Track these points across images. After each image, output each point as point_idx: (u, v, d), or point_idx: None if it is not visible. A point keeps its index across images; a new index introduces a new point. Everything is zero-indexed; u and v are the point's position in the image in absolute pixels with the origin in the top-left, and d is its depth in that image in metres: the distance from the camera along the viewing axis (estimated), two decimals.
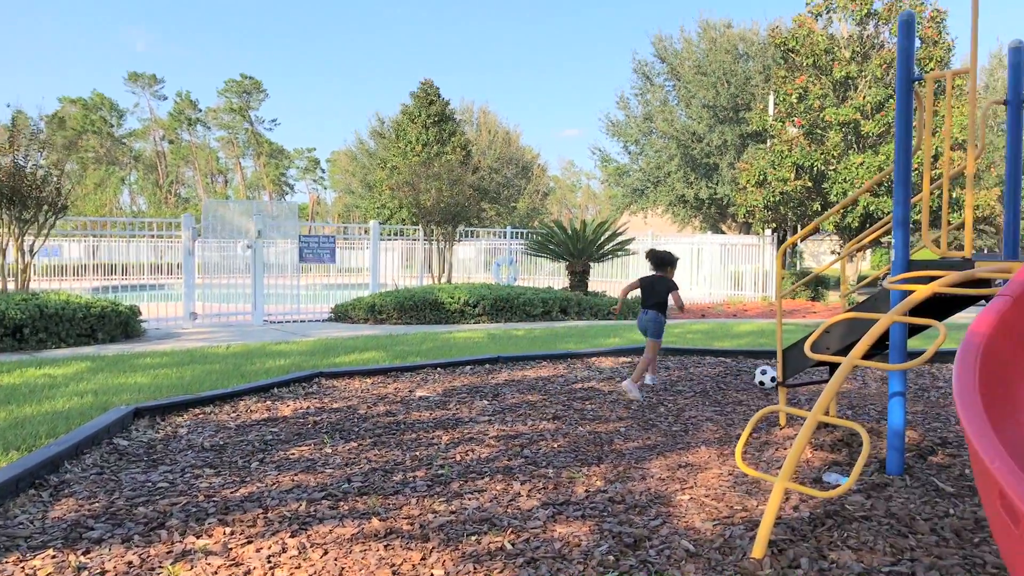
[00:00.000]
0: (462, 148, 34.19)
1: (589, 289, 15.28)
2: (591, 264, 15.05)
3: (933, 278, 3.84)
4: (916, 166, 4.58)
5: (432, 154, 31.92)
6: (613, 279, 20.32)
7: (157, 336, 10.22)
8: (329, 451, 4.54)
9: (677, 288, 6.74)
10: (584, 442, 4.84)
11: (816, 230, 22.94)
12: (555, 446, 4.73)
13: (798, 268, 23.53)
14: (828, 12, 19.58)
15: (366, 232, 16.07)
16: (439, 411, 5.62)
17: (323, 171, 78.21)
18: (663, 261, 6.81)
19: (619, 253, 15.28)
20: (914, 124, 4.51)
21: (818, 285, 19.67)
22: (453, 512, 3.54)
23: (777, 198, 19.03)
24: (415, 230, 17.45)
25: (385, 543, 3.17)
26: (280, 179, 75.56)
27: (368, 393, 6.23)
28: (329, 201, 75.62)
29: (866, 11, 18.75)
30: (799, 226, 21.82)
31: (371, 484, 3.94)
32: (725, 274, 20.07)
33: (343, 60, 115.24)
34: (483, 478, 4.06)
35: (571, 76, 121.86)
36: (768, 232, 21.56)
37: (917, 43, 18.69)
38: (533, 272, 20.03)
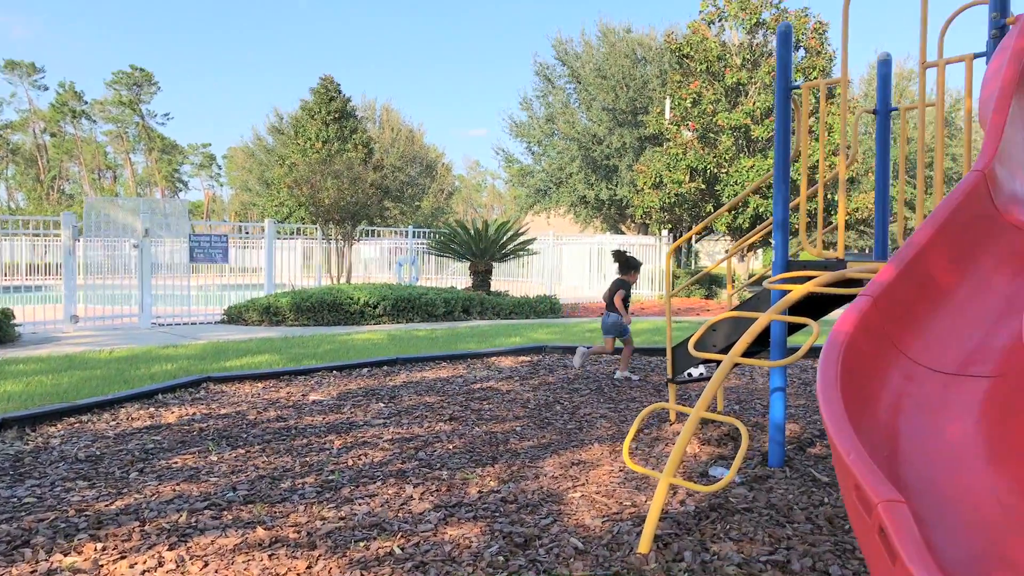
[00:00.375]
0: (364, 146, 33.67)
1: (492, 289, 15.33)
2: (493, 264, 15.10)
3: (810, 278, 4.03)
4: (808, 171, 4.79)
5: (333, 151, 31.31)
6: (517, 279, 20.47)
7: (34, 341, 9.62)
8: (214, 459, 4.37)
9: (620, 290, 6.95)
10: (480, 443, 4.84)
11: (708, 230, 23.76)
12: (450, 447, 4.71)
13: (693, 267, 24.29)
14: (720, 20, 20.30)
15: (262, 231, 15.61)
16: (333, 415, 5.50)
17: (219, 168, 75.53)
18: (622, 264, 7.16)
19: (520, 253, 15.39)
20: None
21: (712, 283, 20.37)
22: (342, 518, 3.47)
23: (672, 199, 19.59)
24: (315, 229, 17.10)
25: (269, 552, 3.07)
26: (173, 175, 72.51)
27: (259, 398, 6.05)
28: (226, 199, 73.12)
29: (755, 20, 19.54)
30: (694, 227, 22.56)
31: (258, 492, 3.82)
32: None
33: (240, 54, 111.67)
34: (375, 482, 4.00)
35: (476, 76, 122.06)
36: (665, 233, 22.17)
37: (802, 53, 19.63)
38: (439, 271, 19.94)
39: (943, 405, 2.30)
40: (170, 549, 3.08)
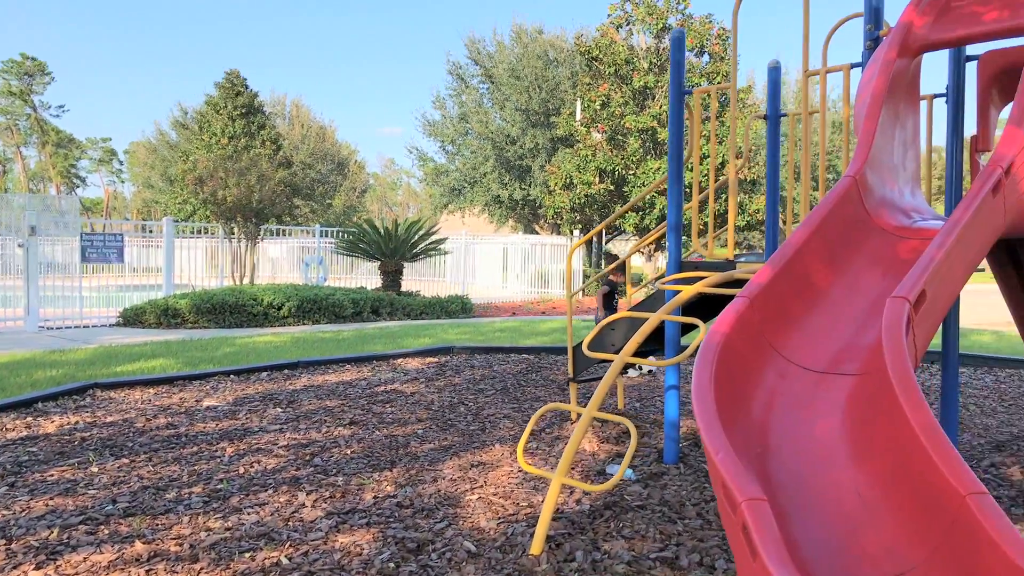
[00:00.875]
0: (272, 142, 32.83)
1: (403, 289, 15.18)
2: (404, 264, 14.95)
3: (701, 279, 4.13)
4: (716, 173, 4.92)
5: (240, 147, 30.42)
6: (430, 278, 20.32)
7: None
8: (95, 470, 4.16)
9: (604, 287, 6.50)
10: (380, 447, 4.77)
11: (619, 231, 24.17)
12: (348, 452, 4.62)
13: (603, 268, 24.65)
14: (628, 24, 20.69)
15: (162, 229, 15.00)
16: (227, 421, 5.32)
17: (121, 163, 72.25)
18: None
19: (432, 252, 15.29)
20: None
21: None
22: (229, 529, 3.35)
23: (582, 200, 19.85)
24: (231, 227, 16.52)
25: (147, 567, 2.94)
26: (70, 171, 68.96)
27: (150, 404, 5.79)
28: (128, 196, 70.02)
29: (661, 25, 20.00)
30: (604, 227, 22.92)
31: (140, 504, 3.65)
32: (535, 273, 20.66)
33: (142, 46, 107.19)
34: (266, 490, 3.88)
35: (392, 73, 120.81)
36: (576, 233, 22.44)
37: (706, 59, 20.20)
38: (351, 271, 19.59)
39: (813, 403, 2.38)
40: (37, 568, 2.91)
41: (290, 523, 3.44)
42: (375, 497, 3.82)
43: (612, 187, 19.91)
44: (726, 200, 4.44)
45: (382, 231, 14.47)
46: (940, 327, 4.54)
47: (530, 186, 29.24)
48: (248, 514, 3.54)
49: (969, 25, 3.42)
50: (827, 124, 4.86)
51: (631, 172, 19.69)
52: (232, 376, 6.97)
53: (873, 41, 3.89)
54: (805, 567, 1.81)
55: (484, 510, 3.68)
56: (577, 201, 19.89)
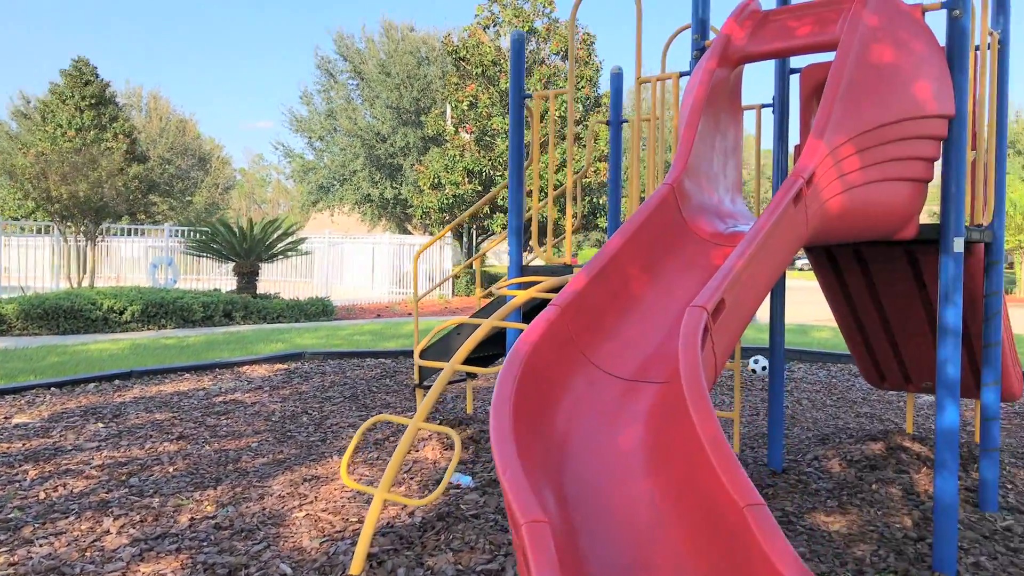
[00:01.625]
0: (126, 135, 30.89)
1: (261, 291, 14.58)
2: (260, 265, 14.35)
3: (539, 283, 4.11)
4: (583, 176, 4.92)
5: (88, 140, 28.43)
6: (294, 280, 19.64)
7: None
8: None
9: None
10: (207, 463, 4.49)
11: (489, 231, 24.24)
12: (171, 471, 4.32)
13: (473, 268, 24.69)
14: (495, 25, 20.76)
15: None
16: (38, 440, 4.87)
17: None
18: None
19: (290, 253, 14.77)
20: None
21: (492, 283, 20.82)
22: (14, 564, 3.03)
23: (451, 201, 19.78)
24: (69, 225, 15.30)
25: None
26: None
27: None
28: None
29: (528, 27, 20.19)
30: (473, 228, 22.92)
31: None
32: (405, 274, 20.40)
33: None
34: (68, 517, 3.55)
35: (262, 66, 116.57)
36: (448, 234, 22.34)
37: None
38: (210, 272, 18.65)
39: (620, 412, 2.37)
40: None
41: (88, 554, 3.15)
42: (192, 519, 3.57)
43: (480, 188, 19.93)
44: (577, 204, 4.46)
45: (236, 230, 13.84)
46: (769, 327, 4.73)
47: (401, 185, 28.90)
48: (40, 546, 3.21)
49: (785, 39, 3.54)
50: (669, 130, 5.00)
51: (499, 173, 19.77)
52: (53, 389, 6.42)
53: (699, 51, 3.98)
54: None
55: (310, 528, 3.50)
56: (446, 201, 19.80)
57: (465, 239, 23.54)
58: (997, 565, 3.28)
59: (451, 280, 20.76)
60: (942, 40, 3.41)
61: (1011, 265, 28.96)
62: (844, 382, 7.53)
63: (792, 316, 14.05)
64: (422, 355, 5.51)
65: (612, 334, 2.63)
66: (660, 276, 2.89)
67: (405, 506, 3.81)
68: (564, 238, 5.01)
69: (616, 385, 2.46)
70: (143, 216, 33.93)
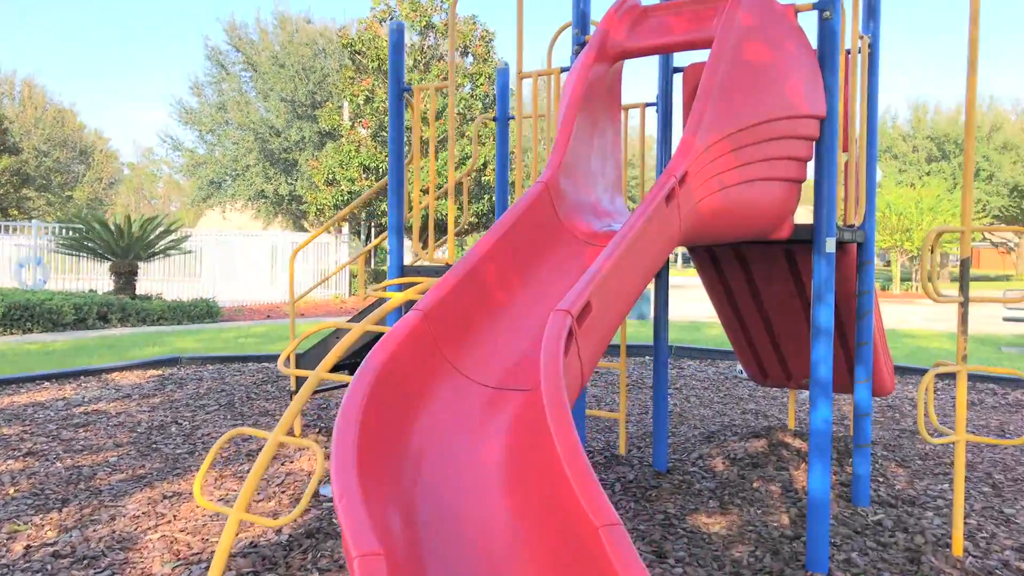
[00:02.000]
0: None
1: (141, 292, 13.80)
2: (140, 264, 13.57)
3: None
4: (476, 173, 4.76)
5: None
6: (179, 279, 18.71)
7: None
8: None
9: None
10: (56, 481, 4.10)
11: (386, 229, 23.82)
12: (11, 492, 3.92)
13: (373, 266, 24.20)
14: (392, 19, 20.39)
15: None
16: None
17: None
18: None
19: (172, 252, 14.04)
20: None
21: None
22: None
23: (346, 197, 19.30)
24: None
25: None
26: None
27: None
28: None
29: (425, 23, 19.92)
30: (372, 225, 22.48)
31: None
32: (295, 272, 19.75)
33: None
34: None
35: (152, 56, 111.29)
36: (344, 231, 21.82)
37: (470, 60, 20.41)
38: (91, 272, 17.49)
39: (485, 422, 2.23)
40: None
41: None
42: (28, 547, 3.23)
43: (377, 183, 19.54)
44: (464, 202, 4.32)
45: (112, 228, 13.03)
46: (653, 325, 4.71)
47: (296, 181, 28.08)
48: None
49: (662, 35, 3.49)
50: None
51: (416, 168, 19.42)
52: None
53: (580, 45, 3.89)
54: None
55: (163, 551, 3.23)
56: (340, 198, 19.30)
57: (363, 236, 23.06)
58: (868, 561, 3.32)
59: (348, 280, 20.30)
60: (815, 42, 3.43)
61: (888, 263, 30.71)
62: (732, 378, 7.68)
63: (686, 313, 14.37)
64: (298, 361, 5.25)
65: (481, 339, 2.49)
66: (532, 278, 2.77)
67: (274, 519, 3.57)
68: (446, 239, 4.86)
69: (483, 394, 2.31)
70: (16, 212, 31.83)
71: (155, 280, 17.08)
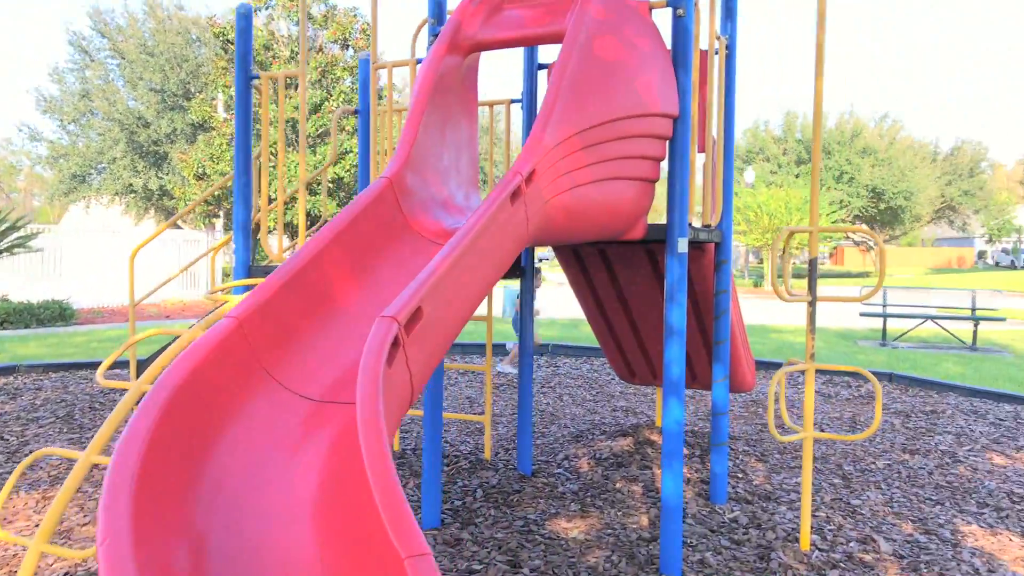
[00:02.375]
0: None
1: None
2: None
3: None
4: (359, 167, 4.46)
5: None
6: (39, 280, 17.31)
7: None
8: None
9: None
10: None
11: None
12: None
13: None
14: (268, 8, 19.63)
15: None
16: None
17: None
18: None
19: (17, 250, 12.94)
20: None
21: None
22: None
23: (218, 193, 18.44)
24: None
25: None
26: None
27: None
28: None
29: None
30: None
31: None
32: (167, 271, 18.74)
33: None
34: None
35: (8, 42, 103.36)
36: (218, 228, 20.86)
37: (350, 52, 19.91)
38: None
39: (303, 439, 2.03)
40: None
41: None
42: None
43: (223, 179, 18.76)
44: (322, 198, 4.08)
45: None
46: (520, 326, 4.61)
47: (168, 175, 26.68)
48: None
49: (517, 28, 3.37)
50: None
51: (271, 164, 18.70)
52: None
53: (435, 36, 3.74)
54: None
55: None
56: (212, 193, 18.43)
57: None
58: (720, 560, 3.32)
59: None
60: (669, 42, 3.40)
61: (762, 260, 32.09)
62: (605, 376, 7.71)
63: (566, 311, 14.47)
64: (141, 370, 4.86)
65: (307, 348, 2.29)
66: (371, 280, 2.59)
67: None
68: (297, 239, 4.60)
69: (304, 407, 2.12)
70: None
71: (3, 280, 15.76)
